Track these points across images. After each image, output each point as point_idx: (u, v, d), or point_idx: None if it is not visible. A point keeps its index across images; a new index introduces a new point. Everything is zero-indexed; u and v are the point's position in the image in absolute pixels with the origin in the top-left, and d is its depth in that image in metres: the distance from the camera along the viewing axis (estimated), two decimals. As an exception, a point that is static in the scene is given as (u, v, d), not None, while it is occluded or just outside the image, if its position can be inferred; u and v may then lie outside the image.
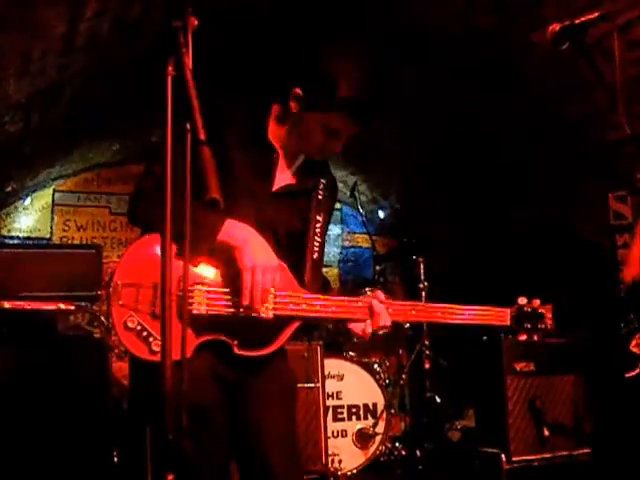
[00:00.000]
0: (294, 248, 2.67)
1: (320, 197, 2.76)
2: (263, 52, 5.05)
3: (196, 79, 1.74)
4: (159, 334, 2.28)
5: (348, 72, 2.47)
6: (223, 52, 4.93)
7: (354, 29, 4.91)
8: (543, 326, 2.73)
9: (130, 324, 2.30)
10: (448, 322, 2.67)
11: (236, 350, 2.40)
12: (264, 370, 2.57)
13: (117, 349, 4.35)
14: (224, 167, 1.86)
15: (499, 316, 2.71)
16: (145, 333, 2.30)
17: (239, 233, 2.37)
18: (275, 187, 2.65)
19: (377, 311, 2.56)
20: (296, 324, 2.53)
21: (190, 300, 2.32)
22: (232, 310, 2.40)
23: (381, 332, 2.62)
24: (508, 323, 2.71)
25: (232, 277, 2.39)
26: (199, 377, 2.23)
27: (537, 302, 2.74)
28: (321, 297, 2.54)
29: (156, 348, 2.28)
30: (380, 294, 2.64)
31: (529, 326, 2.72)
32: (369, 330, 2.59)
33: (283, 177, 2.68)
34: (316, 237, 2.72)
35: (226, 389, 2.51)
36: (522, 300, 2.73)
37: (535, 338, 2.74)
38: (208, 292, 2.39)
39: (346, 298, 2.58)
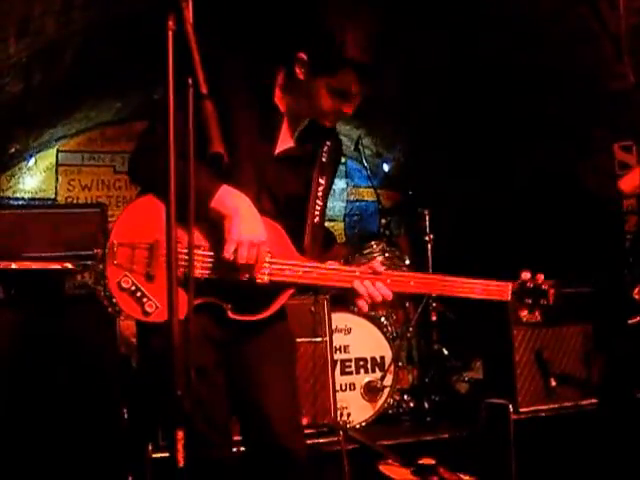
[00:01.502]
0: (294, 212, 2.64)
1: (324, 160, 2.71)
2: (266, 13, 5.00)
3: (200, 36, 1.71)
4: (153, 295, 2.30)
5: (352, 32, 2.39)
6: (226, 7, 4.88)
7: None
8: (545, 302, 2.63)
9: (124, 284, 2.30)
10: (447, 295, 2.62)
11: (230, 314, 2.40)
12: (259, 331, 2.56)
13: (110, 308, 4.35)
14: (227, 128, 1.84)
15: (500, 291, 2.63)
16: (139, 294, 2.31)
17: (231, 202, 2.34)
18: (278, 150, 2.62)
19: (361, 292, 2.50)
20: (291, 290, 2.53)
21: (184, 263, 2.25)
22: (226, 274, 2.38)
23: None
24: (508, 298, 2.63)
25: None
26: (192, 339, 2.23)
27: (541, 277, 2.64)
28: (319, 265, 2.51)
29: (149, 309, 2.29)
30: (377, 265, 2.58)
31: (530, 302, 2.63)
32: (366, 309, 2.54)
33: (286, 140, 2.64)
34: (317, 201, 2.67)
35: (221, 349, 2.51)
36: (525, 275, 2.63)
37: (536, 314, 2.67)
38: (203, 256, 2.38)
39: (344, 267, 2.56)
